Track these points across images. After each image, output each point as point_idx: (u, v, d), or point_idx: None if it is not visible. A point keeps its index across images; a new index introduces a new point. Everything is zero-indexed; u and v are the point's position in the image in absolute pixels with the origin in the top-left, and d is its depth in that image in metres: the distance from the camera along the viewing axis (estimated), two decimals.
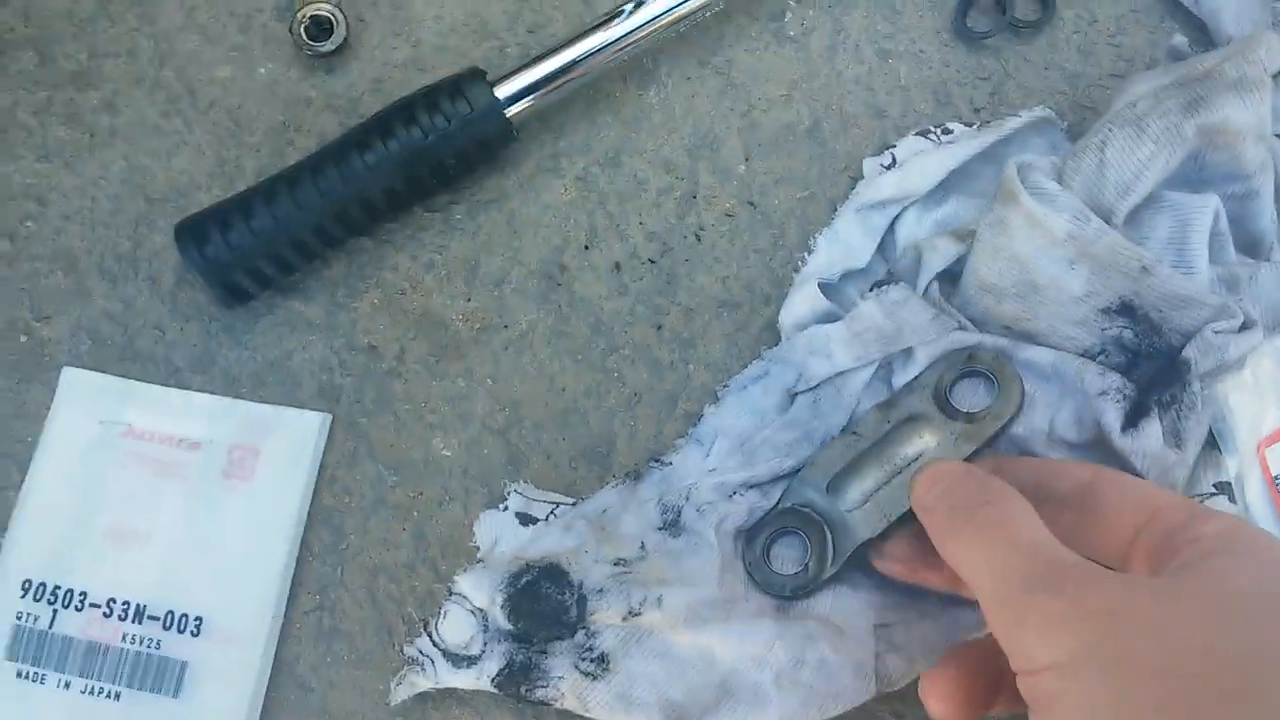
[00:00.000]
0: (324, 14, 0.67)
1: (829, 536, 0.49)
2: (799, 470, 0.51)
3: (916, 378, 0.50)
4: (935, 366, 0.50)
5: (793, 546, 0.50)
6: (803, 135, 0.67)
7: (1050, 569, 0.33)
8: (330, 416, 0.63)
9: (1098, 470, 0.42)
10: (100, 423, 0.62)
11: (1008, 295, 0.56)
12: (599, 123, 0.67)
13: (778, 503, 0.51)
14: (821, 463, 0.50)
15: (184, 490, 0.61)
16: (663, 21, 0.64)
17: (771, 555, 0.50)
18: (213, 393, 0.63)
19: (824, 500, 0.49)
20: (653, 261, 0.65)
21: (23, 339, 0.64)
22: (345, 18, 0.67)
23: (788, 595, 0.50)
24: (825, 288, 0.61)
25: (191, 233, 0.60)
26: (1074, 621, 0.30)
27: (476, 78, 0.62)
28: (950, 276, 0.60)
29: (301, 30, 0.66)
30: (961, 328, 0.56)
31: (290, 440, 0.62)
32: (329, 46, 0.66)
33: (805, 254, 0.64)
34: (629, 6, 0.64)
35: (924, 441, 0.49)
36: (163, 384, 0.63)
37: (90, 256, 0.65)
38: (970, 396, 0.49)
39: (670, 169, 0.66)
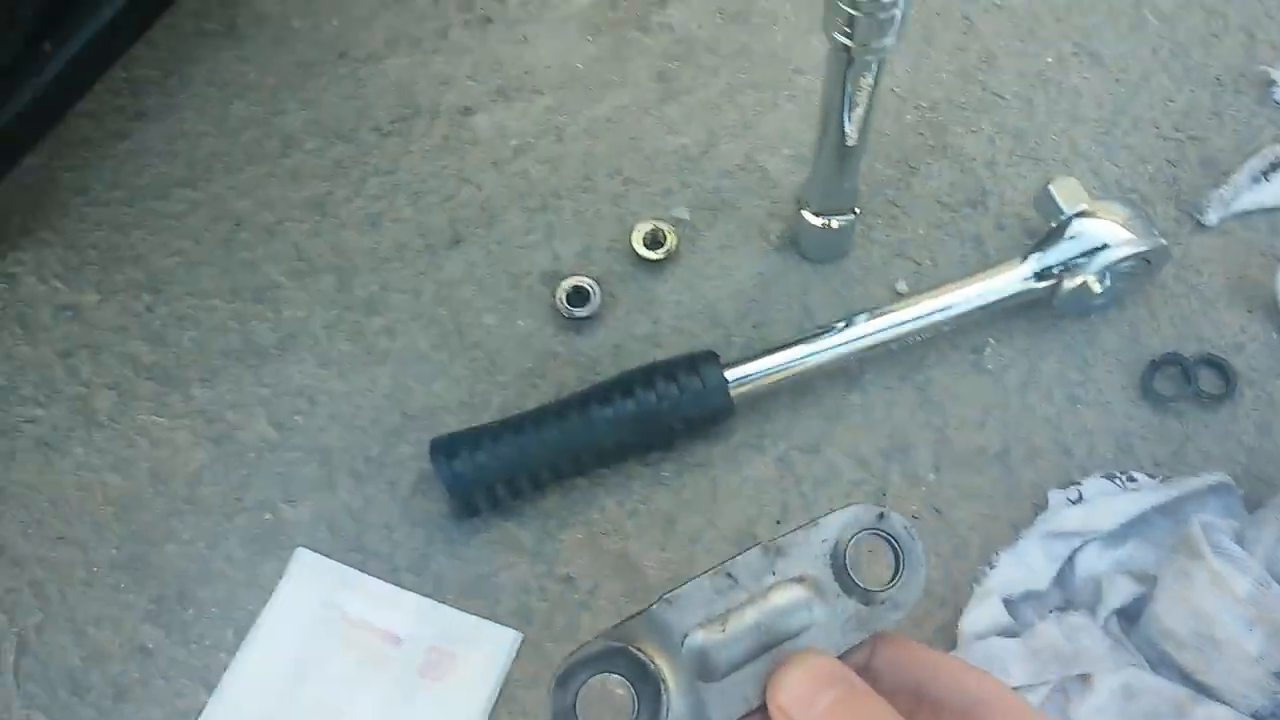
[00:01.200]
0: (584, 286, 0.78)
1: (665, 700, 0.36)
2: (652, 603, 0.38)
3: (815, 524, 0.39)
4: (839, 516, 0.39)
5: (609, 700, 0.37)
6: (992, 458, 0.73)
7: None
8: (522, 636, 0.68)
9: (985, 684, 0.37)
10: (321, 603, 0.68)
11: (1186, 645, 0.59)
12: (803, 413, 0.75)
13: (606, 633, 0.38)
14: (681, 603, 0.37)
15: (383, 680, 0.66)
16: (872, 340, 0.73)
17: (579, 705, 0.37)
18: (423, 594, 0.69)
19: (671, 653, 0.37)
20: None
21: (267, 517, 0.73)
22: (600, 291, 0.78)
23: None
24: (1004, 604, 0.65)
25: (445, 448, 0.69)
26: None
27: (711, 359, 0.71)
28: (1127, 614, 0.63)
29: (563, 296, 0.77)
30: (1138, 665, 0.59)
31: (485, 651, 0.67)
32: (584, 313, 0.77)
33: (986, 568, 0.68)
34: (840, 324, 0.73)
35: (807, 615, 0.38)
36: (381, 578, 0.70)
37: (344, 455, 0.74)
38: (868, 564, 0.39)
39: (864, 465, 0.73)
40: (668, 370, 0.70)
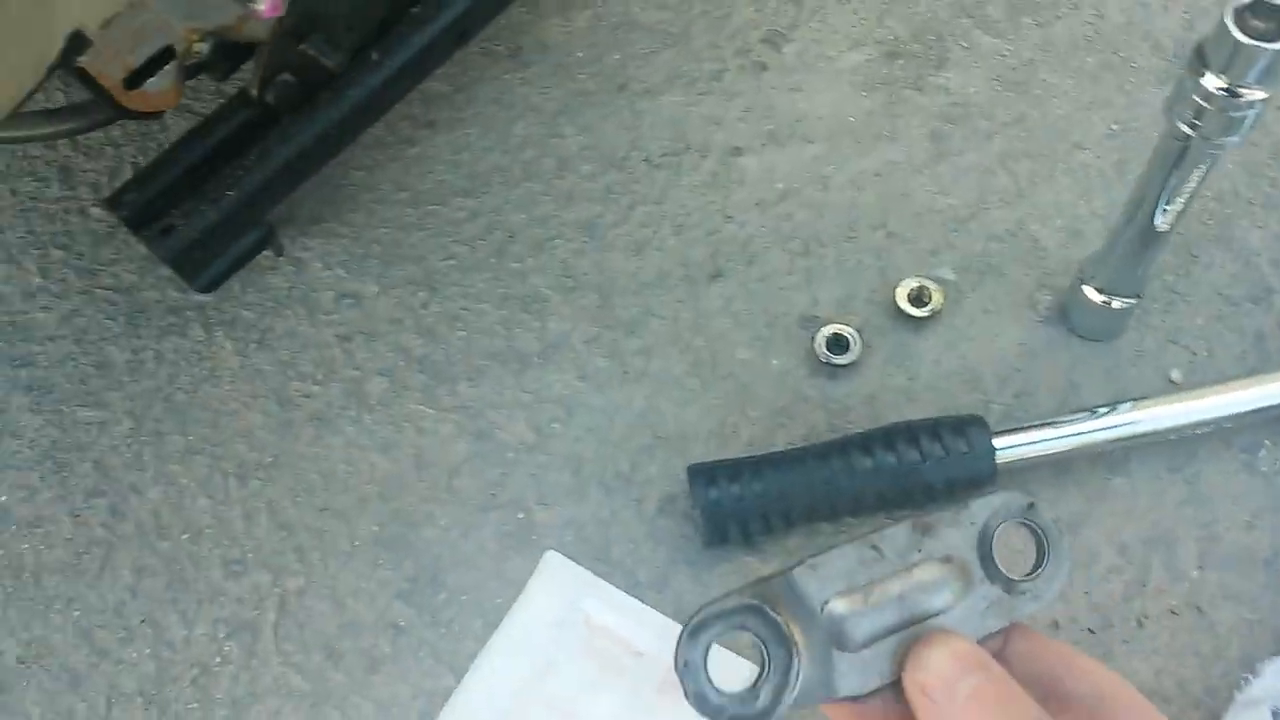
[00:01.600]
0: (845, 334, 0.78)
1: (796, 665, 0.35)
2: (793, 566, 0.36)
3: (965, 506, 0.38)
4: (989, 503, 0.38)
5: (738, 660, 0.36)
6: (1260, 562, 0.70)
7: None
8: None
9: (1117, 684, 0.37)
10: (567, 606, 0.70)
11: None
12: (1065, 490, 0.73)
13: (744, 589, 0.36)
14: (824, 569, 0.36)
15: (621, 689, 0.67)
16: (1145, 429, 0.71)
17: (710, 658, 0.36)
18: (662, 612, 0.70)
19: (807, 618, 0.36)
20: (1091, 631, 0.68)
21: (520, 515, 0.75)
22: (860, 340, 0.78)
23: (721, 718, 0.36)
24: (1273, 715, 0.62)
25: (705, 475, 0.70)
26: None
27: (980, 425, 0.70)
28: None
29: (822, 341, 0.78)
30: None
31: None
32: (842, 360, 0.78)
33: (1248, 675, 0.65)
34: (1107, 408, 0.71)
35: (949, 596, 0.37)
36: (624, 590, 0.71)
37: (594, 466, 0.77)
38: (1012, 553, 0.39)
39: (1123, 552, 0.71)
40: (934, 429, 0.70)
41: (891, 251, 0.84)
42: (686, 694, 0.37)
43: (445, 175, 0.90)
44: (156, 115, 0.69)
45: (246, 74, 0.77)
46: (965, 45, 0.93)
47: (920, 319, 0.80)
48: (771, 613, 0.35)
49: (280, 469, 0.78)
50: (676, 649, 0.36)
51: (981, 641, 0.36)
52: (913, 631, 0.36)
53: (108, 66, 0.63)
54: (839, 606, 0.36)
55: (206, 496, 0.77)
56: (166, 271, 0.81)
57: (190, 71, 0.74)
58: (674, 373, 0.80)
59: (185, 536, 0.76)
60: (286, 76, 0.76)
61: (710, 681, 0.36)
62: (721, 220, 0.87)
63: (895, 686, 0.36)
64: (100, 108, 0.67)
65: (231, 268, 0.79)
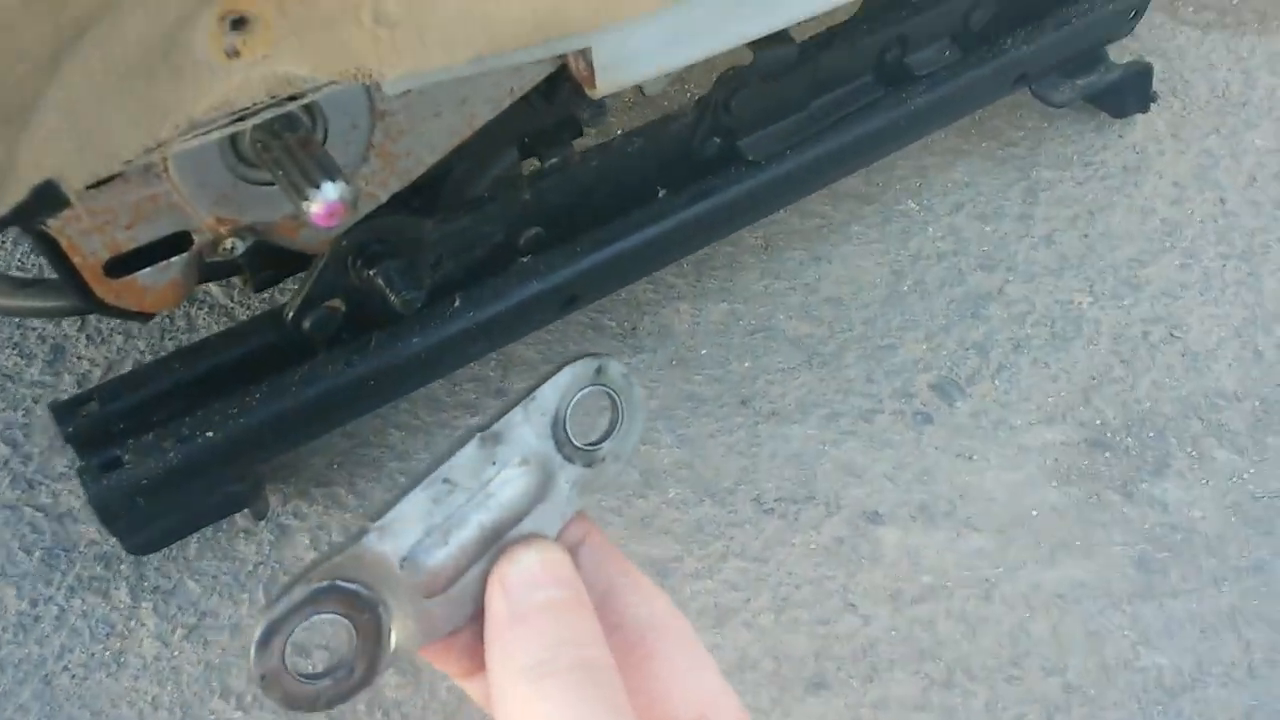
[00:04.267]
0: None
1: (387, 625, 0.33)
2: (361, 534, 0.33)
3: (533, 398, 0.35)
4: (556, 384, 0.35)
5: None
6: None
7: None
8: None
9: (669, 614, 0.34)
10: None
11: None
12: None
13: (308, 573, 0.33)
14: (394, 525, 0.33)
15: None
16: None
17: (289, 659, 0.32)
18: None
19: (389, 578, 0.33)
20: None
21: None
22: None
23: (319, 708, 0.34)
24: None
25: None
26: None
27: None
28: None
29: None
30: None
31: None
32: None
33: None
34: None
35: (531, 498, 0.35)
36: None
37: None
38: (584, 421, 0.36)
39: None
40: None
41: (1068, 714, 0.60)
42: (276, 702, 0.33)
43: None
44: (142, 317, 0.51)
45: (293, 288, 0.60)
46: (1193, 453, 0.72)
47: None
48: (347, 585, 0.33)
49: None
50: (250, 664, 0.31)
51: (566, 528, 0.35)
52: (499, 546, 0.35)
53: (85, 240, 0.46)
54: (419, 556, 0.34)
55: None
56: None
57: (217, 271, 0.57)
58: None
59: None
60: (335, 303, 0.59)
61: (297, 678, 0.32)
62: (840, 607, 0.65)
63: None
64: (75, 292, 0.50)
65: (184, 529, 0.59)
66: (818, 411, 0.74)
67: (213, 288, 0.76)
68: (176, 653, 0.61)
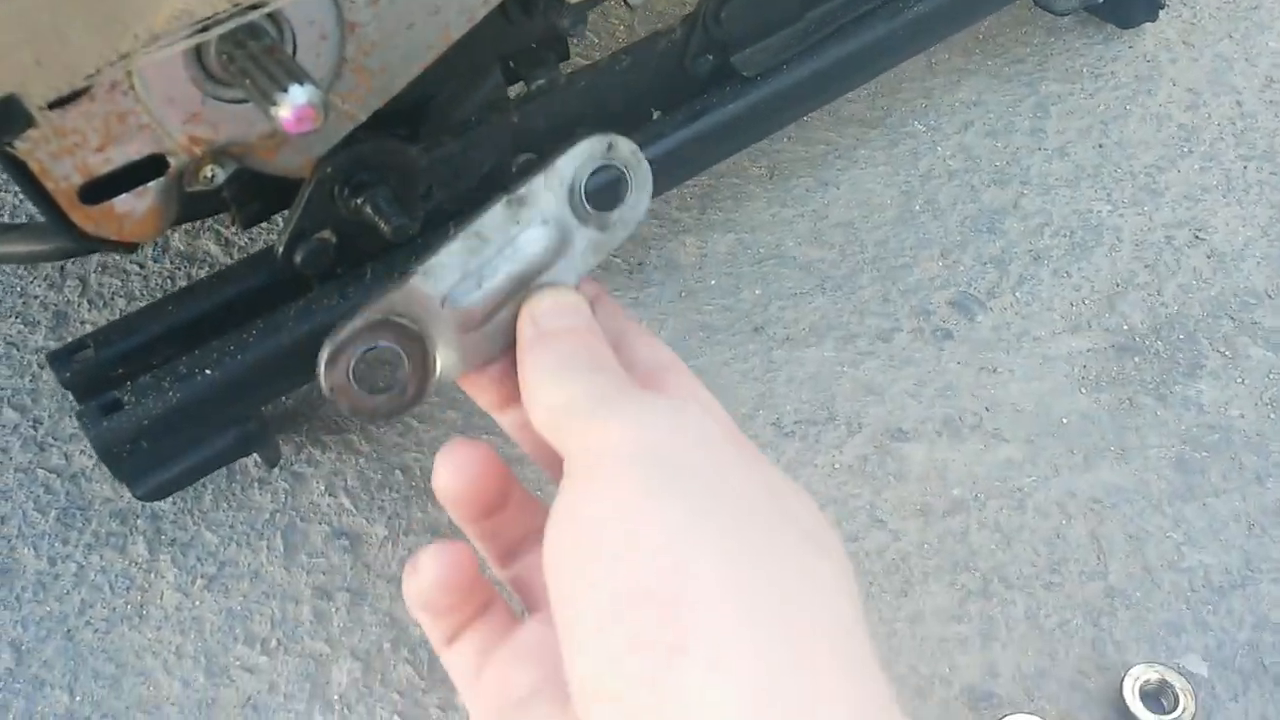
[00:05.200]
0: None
1: (432, 355, 0.39)
2: (408, 275, 0.38)
3: (552, 167, 0.39)
4: (572, 156, 0.39)
5: (381, 366, 0.38)
6: None
7: (617, 392, 0.34)
8: None
9: (674, 358, 0.38)
10: None
11: None
12: None
13: (366, 308, 0.38)
14: (436, 269, 0.38)
15: None
16: None
17: (354, 375, 0.38)
18: None
19: (433, 315, 0.39)
20: None
21: None
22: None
23: (379, 418, 0.43)
24: None
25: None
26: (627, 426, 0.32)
27: None
28: None
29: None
30: None
31: None
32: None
33: None
34: None
35: (550, 255, 0.40)
36: None
37: None
38: (599, 194, 0.40)
39: None
40: None
41: (1114, 617, 0.58)
42: (345, 410, 0.39)
43: None
44: (127, 247, 0.50)
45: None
46: (1226, 353, 0.69)
47: None
48: (398, 319, 0.38)
49: None
50: (320, 379, 0.38)
51: (580, 286, 0.40)
52: (525, 294, 0.39)
53: (57, 164, 0.45)
54: (457, 296, 0.39)
55: None
56: None
57: (201, 206, 0.56)
58: None
59: None
60: (325, 234, 0.57)
61: (360, 393, 0.39)
62: (868, 523, 0.63)
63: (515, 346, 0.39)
64: (60, 230, 0.49)
65: (192, 473, 0.58)
66: (833, 334, 0.72)
67: (212, 247, 0.75)
68: (198, 602, 0.60)
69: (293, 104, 0.43)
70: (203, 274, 0.74)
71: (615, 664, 0.27)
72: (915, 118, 0.84)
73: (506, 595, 0.37)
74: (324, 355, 0.38)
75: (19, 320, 0.73)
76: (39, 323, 0.72)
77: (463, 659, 0.35)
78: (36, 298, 0.74)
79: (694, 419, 0.32)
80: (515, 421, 0.38)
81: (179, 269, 0.74)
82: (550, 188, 0.40)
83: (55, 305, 0.73)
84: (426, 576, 0.35)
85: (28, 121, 0.43)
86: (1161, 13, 0.89)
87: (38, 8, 0.41)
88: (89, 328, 0.72)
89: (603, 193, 0.40)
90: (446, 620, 0.36)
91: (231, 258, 0.75)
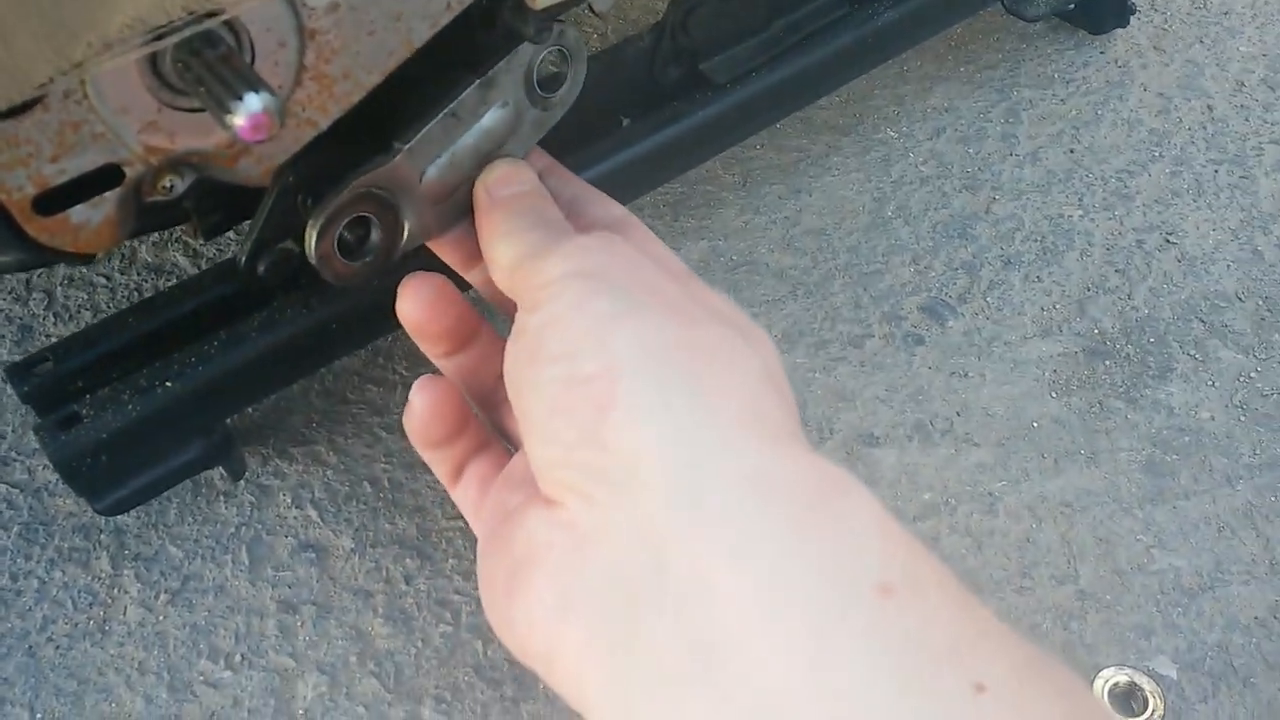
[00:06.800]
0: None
1: (404, 223, 0.44)
2: (394, 153, 0.43)
3: (516, 53, 0.44)
4: (530, 46, 0.44)
5: (359, 233, 0.44)
6: None
7: (561, 233, 0.39)
8: None
9: (629, 214, 0.43)
10: None
11: None
12: None
13: (352, 182, 0.43)
14: (418, 149, 0.43)
15: None
16: None
17: (340, 244, 0.44)
18: None
19: (410, 188, 0.44)
20: None
21: None
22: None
23: (358, 282, 0.45)
24: None
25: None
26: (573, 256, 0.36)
27: None
28: None
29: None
30: None
31: None
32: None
33: None
34: None
35: (506, 132, 0.45)
36: None
37: None
38: (546, 80, 0.46)
39: None
40: None
41: (1083, 619, 0.58)
42: (325, 277, 0.45)
43: None
44: (83, 259, 0.50)
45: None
46: (1196, 355, 0.70)
47: None
48: (379, 191, 0.44)
49: None
50: (310, 248, 0.44)
51: (529, 157, 0.46)
52: (483, 168, 0.45)
53: (9, 175, 0.44)
54: (431, 171, 0.44)
55: None
56: None
57: (161, 217, 0.56)
58: None
59: None
60: (289, 245, 0.57)
61: (342, 260, 0.44)
62: None
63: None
64: (14, 242, 0.49)
65: (155, 487, 0.57)
66: (805, 340, 0.72)
67: (180, 259, 0.75)
68: (161, 617, 0.59)
69: (248, 112, 0.43)
70: (170, 284, 0.74)
71: (560, 434, 0.32)
72: (887, 124, 0.84)
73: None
74: (316, 224, 0.43)
75: None
76: (3, 336, 0.72)
77: (467, 493, 0.41)
78: (1, 311, 0.73)
79: (622, 247, 0.37)
80: (480, 279, 0.44)
81: (146, 281, 0.74)
82: (512, 70, 0.45)
83: (20, 319, 0.72)
84: (419, 408, 0.40)
85: None
86: (1132, 18, 0.90)
87: None
88: (53, 341, 0.71)
89: (548, 79, 0.46)
90: (447, 453, 0.41)
91: (199, 270, 0.75)
